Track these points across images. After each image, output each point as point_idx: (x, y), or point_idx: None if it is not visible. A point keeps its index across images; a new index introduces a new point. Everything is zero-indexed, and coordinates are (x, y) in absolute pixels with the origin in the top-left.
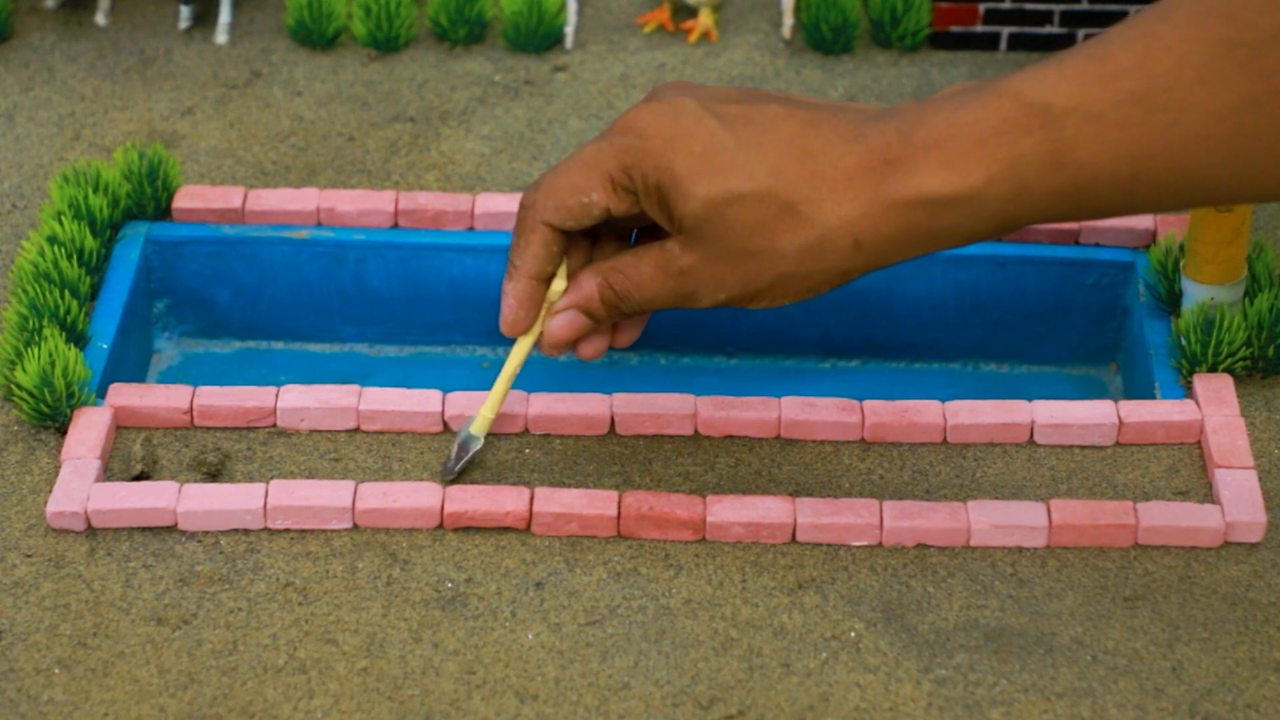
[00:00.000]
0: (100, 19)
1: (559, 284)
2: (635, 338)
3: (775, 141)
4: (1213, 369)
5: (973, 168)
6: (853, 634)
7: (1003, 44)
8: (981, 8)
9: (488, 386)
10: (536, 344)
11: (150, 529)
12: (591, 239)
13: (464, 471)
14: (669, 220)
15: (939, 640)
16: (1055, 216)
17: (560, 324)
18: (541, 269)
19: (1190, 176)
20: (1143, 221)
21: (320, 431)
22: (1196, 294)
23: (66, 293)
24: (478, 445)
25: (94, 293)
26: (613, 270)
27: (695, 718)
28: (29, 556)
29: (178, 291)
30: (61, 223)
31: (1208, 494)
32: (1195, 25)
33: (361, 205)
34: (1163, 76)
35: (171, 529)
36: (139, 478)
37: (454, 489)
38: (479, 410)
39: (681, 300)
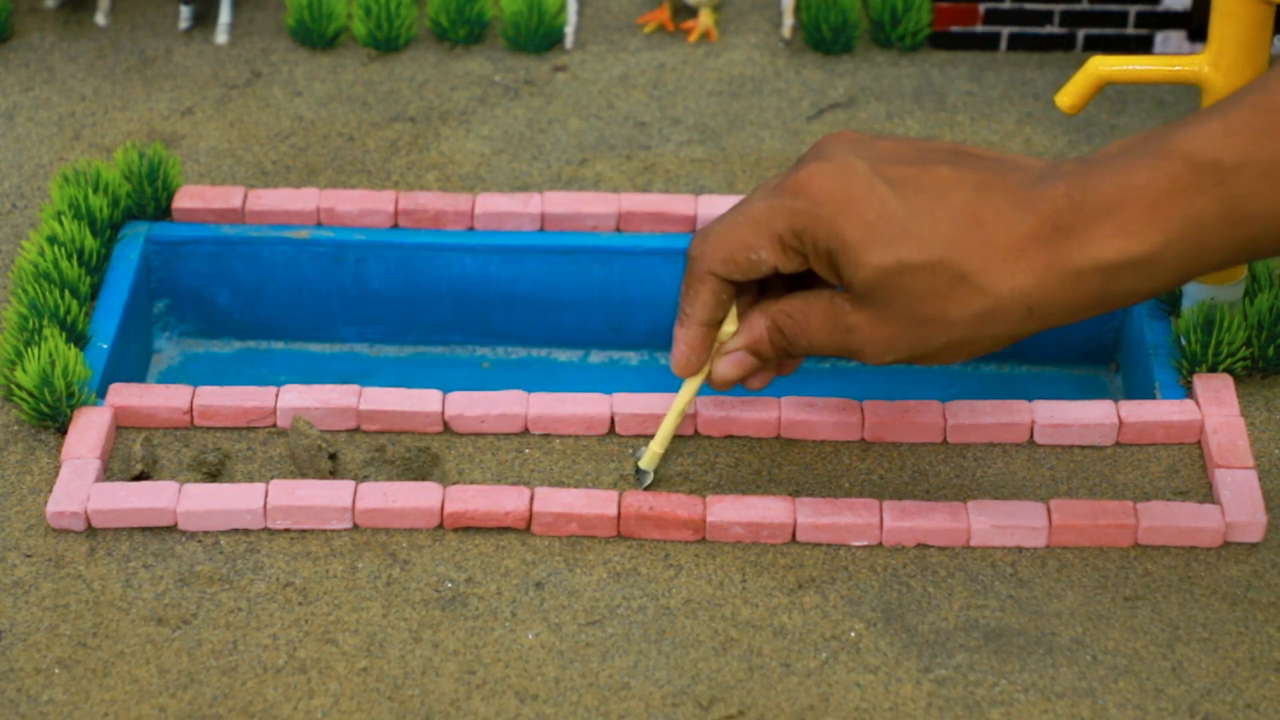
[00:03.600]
0: (100, 19)
1: (729, 326)
2: (796, 368)
3: (947, 210)
4: (1213, 369)
5: (1149, 232)
6: (853, 634)
7: (1003, 44)
8: (981, 8)
9: (488, 386)
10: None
11: (150, 529)
12: (758, 281)
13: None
14: (839, 281)
15: (939, 640)
16: (1232, 264)
17: (729, 364)
18: (712, 316)
19: None
20: None
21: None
22: (1196, 294)
23: (66, 293)
24: (648, 480)
25: (94, 293)
26: (782, 313)
27: (695, 718)
28: (29, 556)
29: (178, 291)
30: (61, 223)
31: (1208, 494)
32: None
33: (361, 205)
34: None
35: (171, 529)
36: (139, 478)
37: (454, 489)
38: (649, 445)
39: (846, 353)
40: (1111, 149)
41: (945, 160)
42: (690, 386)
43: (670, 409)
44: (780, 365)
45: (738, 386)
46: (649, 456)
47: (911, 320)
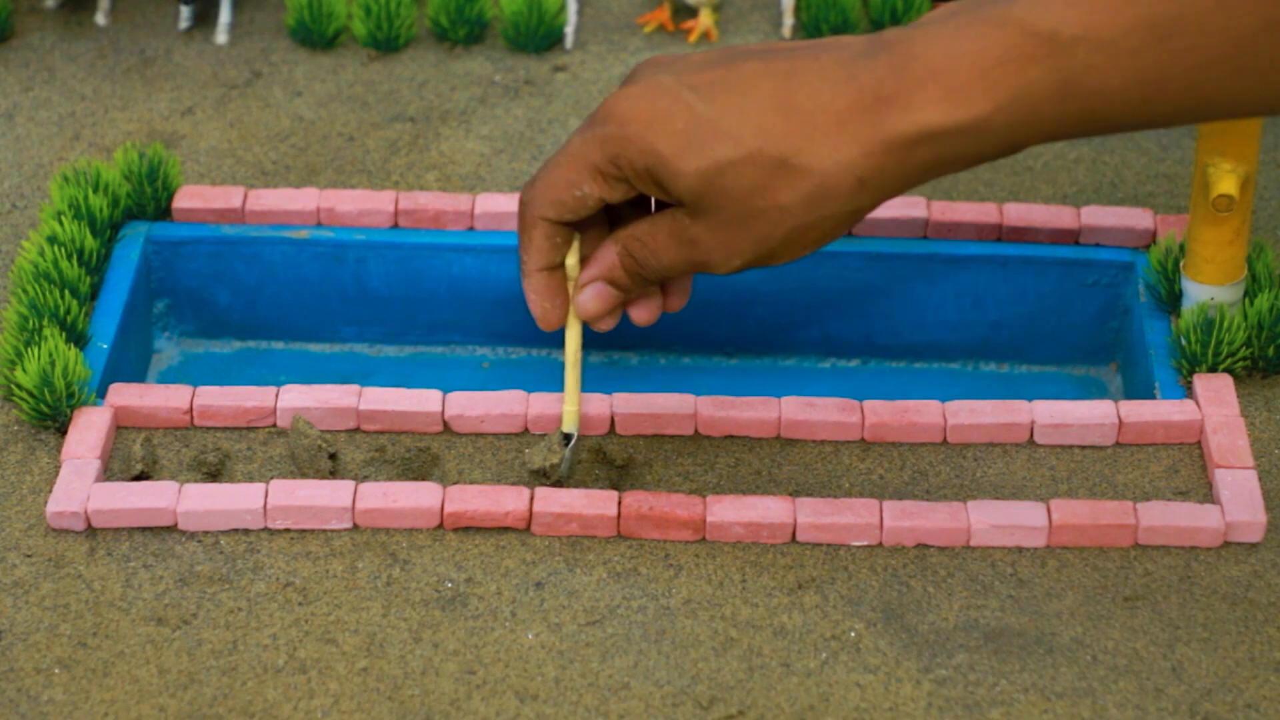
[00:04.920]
0: (100, 19)
1: (572, 259)
2: (684, 300)
3: (757, 101)
4: (1213, 369)
5: (977, 98)
6: (853, 634)
7: None
8: None
9: (488, 386)
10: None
11: (150, 529)
12: (609, 214)
13: (571, 469)
14: (669, 198)
15: (939, 640)
16: (1063, 138)
17: (588, 298)
18: (549, 261)
19: (1206, 98)
20: (1143, 221)
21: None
22: (1196, 294)
23: (66, 293)
24: (574, 440)
25: (94, 293)
26: (631, 238)
27: (695, 718)
28: (29, 556)
29: (178, 291)
30: (61, 223)
31: (1208, 494)
32: None
33: (361, 205)
34: (1177, 1)
35: (171, 529)
36: (139, 478)
37: (454, 489)
38: (563, 407)
39: (698, 267)
40: (939, 13)
41: (753, 56)
42: (572, 334)
43: (566, 363)
44: (666, 296)
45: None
46: (567, 417)
47: (746, 218)
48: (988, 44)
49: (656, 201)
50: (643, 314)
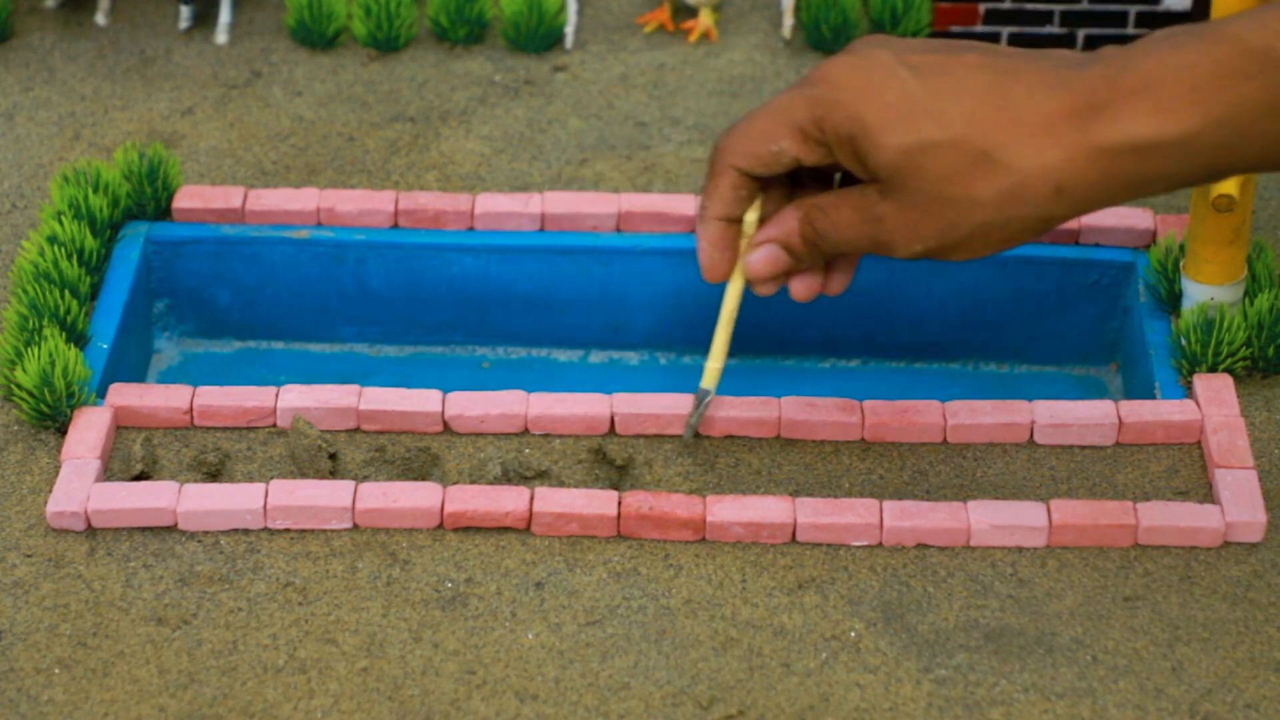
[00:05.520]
0: (100, 19)
1: (751, 215)
2: (845, 286)
3: (971, 90)
4: (1213, 369)
5: (1188, 112)
6: (853, 634)
7: (1003, 44)
8: (981, 8)
9: (488, 386)
10: (748, 286)
11: (150, 529)
12: (792, 182)
13: (699, 425)
14: (864, 170)
15: (939, 640)
16: (1269, 162)
17: (759, 258)
18: (730, 211)
19: None
20: (1143, 221)
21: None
22: (1196, 294)
23: (66, 293)
24: (709, 398)
25: (94, 293)
26: (814, 208)
27: (695, 718)
28: (29, 556)
29: (178, 291)
30: (61, 223)
31: (1208, 494)
32: None
33: (361, 205)
34: None
35: (171, 529)
36: (139, 478)
37: (454, 489)
38: (706, 363)
39: (877, 247)
40: (1157, 34)
41: (974, 50)
42: (732, 291)
43: (719, 320)
44: (828, 277)
45: (785, 297)
46: (708, 374)
47: (937, 202)
48: (1201, 59)
49: (841, 180)
50: (802, 289)
